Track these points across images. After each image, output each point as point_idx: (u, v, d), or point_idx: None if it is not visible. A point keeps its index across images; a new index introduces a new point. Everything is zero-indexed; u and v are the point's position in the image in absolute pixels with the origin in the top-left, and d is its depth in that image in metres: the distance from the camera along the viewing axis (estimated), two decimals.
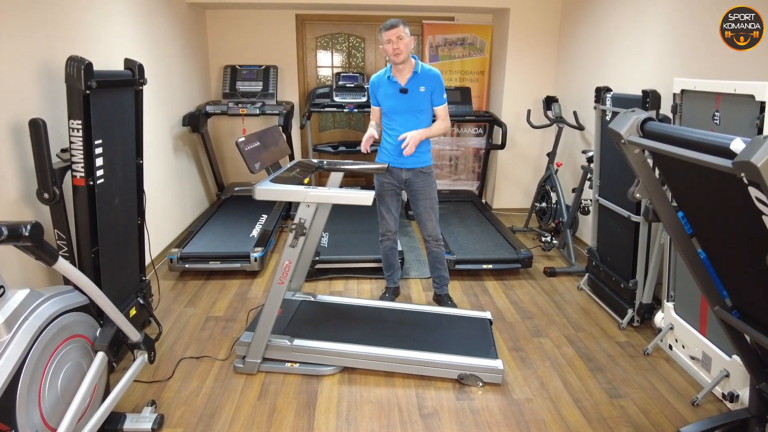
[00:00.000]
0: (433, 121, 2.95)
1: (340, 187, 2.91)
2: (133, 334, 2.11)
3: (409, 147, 2.74)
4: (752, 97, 2.03)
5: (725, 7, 2.62)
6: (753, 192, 1.25)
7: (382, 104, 2.96)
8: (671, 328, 2.71)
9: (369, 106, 4.98)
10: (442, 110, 2.93)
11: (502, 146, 4.88)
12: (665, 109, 2.71)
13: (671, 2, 3.14)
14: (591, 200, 3.51)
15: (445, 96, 2.92)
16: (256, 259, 3.59)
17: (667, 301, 2.74)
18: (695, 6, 2.92)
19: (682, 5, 3.03)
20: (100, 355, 1.92)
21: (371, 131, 2.95)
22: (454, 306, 3.20)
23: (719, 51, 2.70)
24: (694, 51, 2.92)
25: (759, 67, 2.49)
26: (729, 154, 1.22)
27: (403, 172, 2.99)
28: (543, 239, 4.11)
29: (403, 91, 2.85)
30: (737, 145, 1.20)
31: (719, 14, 2.65)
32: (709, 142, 1.31)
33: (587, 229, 4.04)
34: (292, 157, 4.84)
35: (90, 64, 2.13)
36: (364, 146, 2.89)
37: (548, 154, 4.49)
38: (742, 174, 1.17)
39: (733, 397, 2.22)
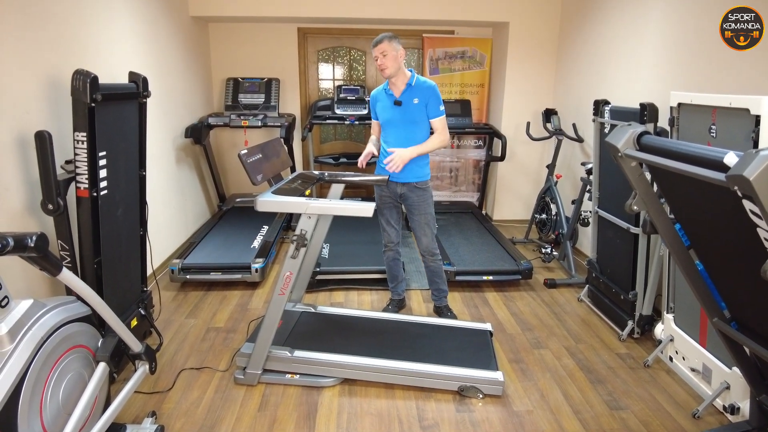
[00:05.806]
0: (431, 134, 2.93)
1: (341, 198, 2.93)
2: (135, 345, 2.12)
3: (395, 166, 2.76)
4: (747, 110, 2.06)
5: (723, 14, 2.65)
6: (747, 205, 1.27)
7: (380, 116, 2.99)
8: (671, 340, 2.71)
9: (370, 118, 5.07)
10: (439, 122, 2.87)
11: (502, 158, 4.92)
12: (663, 121, 2.74)
13: (669, 14, 3.18)
14: (590, 212, 3.52)
15: (441, 108, 2.87)
16: (257, 270, 3.60)
17: (667, 312, 2.75)
18: (692, 17, 2.96)
19: (679, 17, 3.07)
20: (102, 365, 1.93)
21: (370, 147, 3.00)
22: (455, 317, 3.20)
23: (718, 59, 2.73)
24: (693, 62, 2.95)
25: (757, 69, 2.50)
26: (723, 167, 1.24)
27: (398, 186, 2.98)
28: (543, 251, 4.12)
29: (397, 103, 2.87)
30: (730, 158, 1.22)
31: (717, 23, 2.68)
32: (703, 155, 1.33)
33: (587, 240, 4.05)
34: (293, 169, 4.85)
35: (96, 78, 2.16)
36: (362, 161, 2.97)
37: (548, 166, 4.52)
38: (736, 187, 1.19)
39: (734, 410, 2.22)
